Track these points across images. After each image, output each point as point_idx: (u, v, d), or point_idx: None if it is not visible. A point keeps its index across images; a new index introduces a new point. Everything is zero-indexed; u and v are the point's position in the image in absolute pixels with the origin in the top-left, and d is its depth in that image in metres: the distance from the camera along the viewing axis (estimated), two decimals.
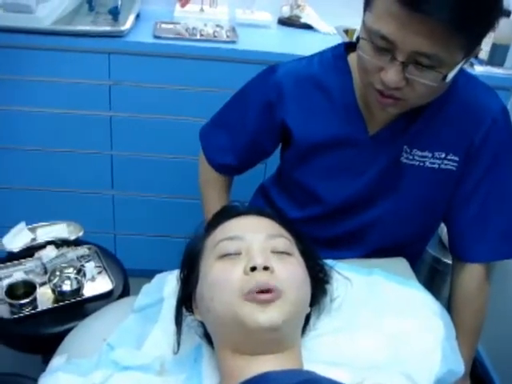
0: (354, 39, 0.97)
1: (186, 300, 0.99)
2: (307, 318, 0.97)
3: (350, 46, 1.14)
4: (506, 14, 2.03)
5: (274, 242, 0.92)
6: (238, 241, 0.91)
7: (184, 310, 1.00)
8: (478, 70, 2.05)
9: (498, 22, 0.87)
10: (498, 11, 0.86)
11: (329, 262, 1.11)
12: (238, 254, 0.89)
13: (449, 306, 1.25)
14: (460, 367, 1.00)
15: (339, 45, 1.16)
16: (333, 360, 0.96)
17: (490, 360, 2.16)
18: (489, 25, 0.87)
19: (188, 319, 1.00)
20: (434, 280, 2.18)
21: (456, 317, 1.19)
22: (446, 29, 0.83)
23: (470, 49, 0.91)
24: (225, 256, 0.90)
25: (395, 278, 1.14)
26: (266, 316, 0.81)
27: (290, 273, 0.88)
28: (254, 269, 0.85)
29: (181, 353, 0.97)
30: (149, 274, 1.16)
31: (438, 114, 1.09)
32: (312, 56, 1.19)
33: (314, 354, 0.96)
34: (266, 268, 0.85)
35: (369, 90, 1.01)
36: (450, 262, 2.11)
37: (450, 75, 0.92)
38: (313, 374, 0.82)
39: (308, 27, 2.40)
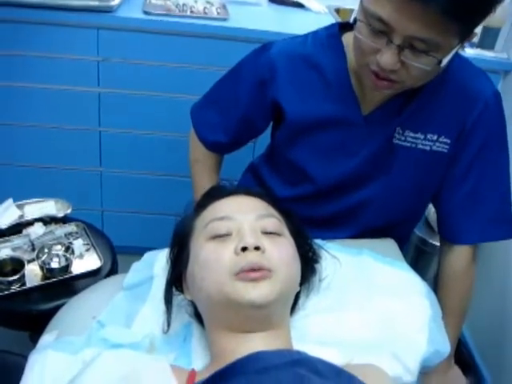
0: (351, 20, 0.96)
1: (176, 280, 0.99)
2: (296, 298, 0.98)
3: (344, 26, 1.14)
4: None
5: (264, 222, 0.92)
6: (229, 221, 0.91)
7: (174, 289, 1.00)
8: (469, 52, 2.05)
9: (495, 9, 0.86)
10: None
11: (318, 241, 1.12)
12: (228, 234, 0.89)
13: (435, 286, 1.26)
14: (446, 348, 1.01)
15: (333, 24, 1.16)
16: (322, 339, 0.97)
17: (474, 341, 2.20)
18: (485, 11, 0.87)
19: (178, 298, 1.00)
20: (420, 261, 2.20)
21: (443, 297, 1.21)
22: (442, 15, 0.83)
23: (466, 34, 0.91)
24: (215, 237, 0.90)
25: (383, 259, 1.15)
26: (257, 292, 0.82)
27: (281, 253, 0.89)
28: (244, 249, 0.85)
29: (170, 331, 0.98)
30: (136, 251, 1.16)
31: (431, 96, 1.10)
32: (306, 35, 1.18)
33: (304, 333, 0.98)
34: (257, 248, 0.85)
35: (364, 71, 1.01)
36: (436, 243, 2.14)
37: (445, 60, 0.92)
38: (303, 354, 0.83)
39: (299, 5, 2.38)
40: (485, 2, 0.85)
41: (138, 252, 1.16)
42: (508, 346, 1.98)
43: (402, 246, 1.33)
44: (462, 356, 1.69)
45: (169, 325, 0.98)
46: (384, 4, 0.87)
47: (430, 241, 2.17)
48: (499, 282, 2.04)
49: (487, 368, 2.10)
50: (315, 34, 1.17)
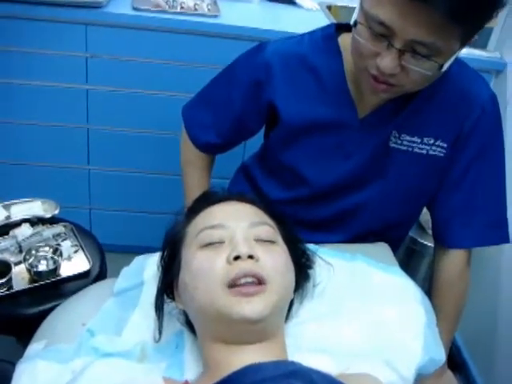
0: (352, 23, 0.94)
1: (167, 287, 0.97)
2: (290, 304, 0.96)
3: (340, 27, 1.12)
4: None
5: (257, 229, 0.90)
6: (221, 229, 0.89)
7: (165, 297, 0.98)
8: (461, 52, 2.03)
9: (497, 14, 0.85)
10: (498, 2, 0.84)
11: (311, 246, 1.10)
12: (221, 242, 0.88)
13: (430, 290, 1.25)
14: (441, 356, 1.00)
15: (329, 25, 1.14)
16: (316, 347, 0.96)
17: (464, 342, 2.21)
18: (488, 15, 0.86)
19: (169, 306, 0.98)
20: (410, 260, 2.20)
21: (438, 302, 1.20)
22: (446, 19, 0.81)
23: (467, 38, 0.90)
24: (208, 245, 0.88)
25: (377, 264, 1.14)
26: (251, 308, 0.80)
27: (275, 262, 0.87)
28: (237, 258, 0.83)
29: (162, 339, 0.96)
30: (124, 250, 1.13)
31: (428, 99, 1.08)
32: (302, 35, 1.16)
33: (298, 341, 0.96)
34: (250, 257, 0.84)
35: (362, 74, 0.99)
36: (426, 242, 2.14)
37: (446, 65, 0.91)
38: (298, 365, 0.82)
39: (291, 2, 2.36)
40: (489, 5, 0.84)
41: (126, 250, 1.13)
42: (498, 347, 1.99)
43: (396, 249, 1.32)
44: (452, 356, 1.70)
45: (160, 333, 0.95)
46: (386, 7, 0.84)
47: (421, 240, 2.17)
48: (490, 283, 2.04)
49: (477, 368, 2.11)
50: (311, 34, 1.15)
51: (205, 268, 0.85)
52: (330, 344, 0.96)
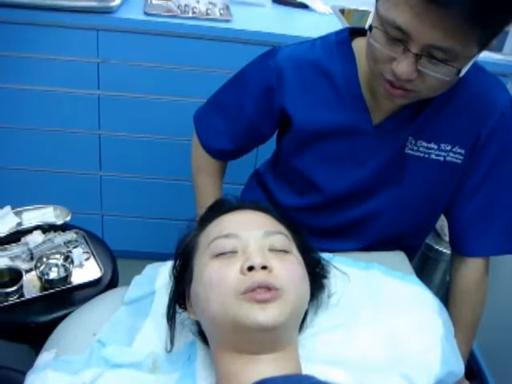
0: (367, 27, 0.92)
1: (179, 297, 0.96)
2: (304, 315, 0.94)
3: (354, 31, 1.10)
4: None
5: (271, 239, 0.88)
6: (234, 239, 0.87)
7: (177, 307, 0.96)
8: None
9: None
10: None
11: (325, 255, 1.08)
12: (233, 252, 0.86)
13: (447, 299, 1.23)
14: (460, 368, 0.98)
15: (343, 29, 1.12)
16: (331, 359, 0.93)
17: (479, 347, 2.17)
18: (507, 19, 0.83)
19: (181, 316, 0.97)
20: (425, 267, 2.18)
21: (455, 311, 1.18)
22: (464, 23, 0.79)
23: (486, 43, 0.87)
24: (220, 255, 0.86)
25: (394, 273, 1.11)
26: (265, 315, 0.78)
27: (289, 272, 0.85)
28: (251, 268, 0.81)
29: (174, 349, 0.95)
30: (136, 256, 1.12)
31: (445, 105, 1.06)
32: (314, 40, 1.14)
33: (312, 352, 0.94)
34: (264, 267, 0.82)
35: (378, 79, 0.97)
36: (441, 249, 2.11)
37: (464, 70, 0.89)
38: (312, 379, 0.80)
39: (303, 6, 2.34)
40: (508, 9, 0.81)
41: (138, 257, 1.12)
42: None
43: (412, 257, 1.29)
44: (467, 364, 1.67)
45: (172, 344, 0.94)
46: (403, 10, 0.83)
47: (436, 247, 2.14)
48: (507, 290, 2.01)
49: (493, 376, 2.08)
50: (324, 39, 1.13)
51: (217, 279, 0.83)
52: (345, 356, 0.94)
